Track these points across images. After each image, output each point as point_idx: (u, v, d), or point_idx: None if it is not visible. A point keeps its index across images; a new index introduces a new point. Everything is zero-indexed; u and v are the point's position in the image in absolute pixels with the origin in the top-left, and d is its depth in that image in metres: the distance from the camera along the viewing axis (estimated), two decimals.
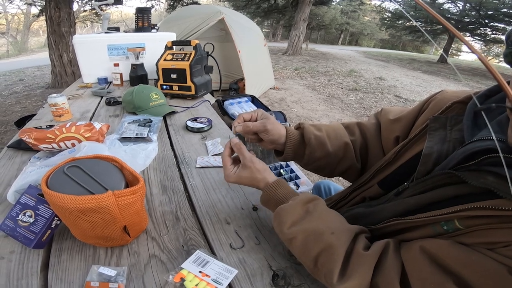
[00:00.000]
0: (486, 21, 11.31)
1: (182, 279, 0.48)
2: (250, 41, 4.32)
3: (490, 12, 10.75)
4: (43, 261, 0.52)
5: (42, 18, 5.26)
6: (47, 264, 0.51)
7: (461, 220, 0.38)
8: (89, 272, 0.49)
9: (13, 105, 4.06)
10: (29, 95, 4.55)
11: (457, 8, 12.70)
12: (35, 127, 0.90)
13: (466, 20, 11.98)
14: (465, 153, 0.39)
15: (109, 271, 0.49)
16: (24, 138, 0.80)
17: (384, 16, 16.92)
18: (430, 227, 0.41)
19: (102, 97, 1.53)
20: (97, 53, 1.81)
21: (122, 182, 0.51)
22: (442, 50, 12.82)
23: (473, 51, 0.26)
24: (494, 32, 12.17)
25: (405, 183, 0.48)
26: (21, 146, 0.90)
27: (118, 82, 1.77)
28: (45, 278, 0.49)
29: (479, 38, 13.53)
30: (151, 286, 0.48)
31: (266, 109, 1.84)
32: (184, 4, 7.46)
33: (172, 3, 7.64)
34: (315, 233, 0.47)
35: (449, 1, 12.71)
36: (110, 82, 1.85)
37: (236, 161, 0.60)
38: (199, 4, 7.19)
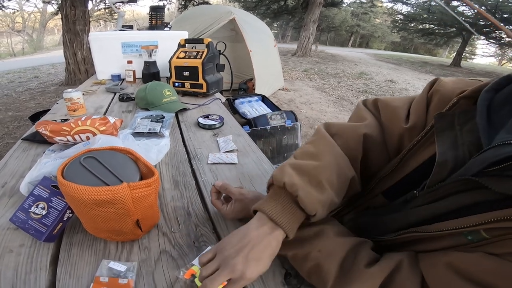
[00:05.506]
0: (502, 24, 11.04)
1: (193, 276, 0.47)
2: (261, 41, 4.32)
3: (506, 15, 10.51)
4: (53, 255, 0.51)
5: (58, 17, 5.39)
6: (56, 259, 0.50)
7: (488, 230, 0.34)
8: (99, 266, 0.48)
9: (28, 101, 4.16)
10: (44, 92, 4.65)
11: (472, 11, 12.43)
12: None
13: (481, 23, 11.73)
14: (486, 162, 0.35)
15: (119, 266, 0.48)
16: (40, 130, 0.81)
17: (396, 18, 16.72)
18: (450, 237, 0.38)
19: (115, 93, 1.55)
20: (112, 50, 1.84)
21: (137, 175, 0.51)
22: (456, 53, 12.53)
23: None
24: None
25: (415, 191, 0.44)
26: (35, 139, 0.92)
27: (131, 79, 1.79)
28: (53, 273, 0.48)
29: (494, 42, 13.23)
30: (161, 282, 0.47)
31: (276, 108, 1.83)
32: (195, 4, 7.53)
33: (183, 3, 7.72)
34: (301, 251, 0.46)
35: (464, 4, 12.44)
36: (123, 79, 1.88)
37: (228, 199, 0.61)
38: (210, 4, 7.25)
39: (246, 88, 4.05)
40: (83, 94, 1.31)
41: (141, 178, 0.53)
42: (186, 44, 1.61)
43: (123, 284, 0.45)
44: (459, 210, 0.37)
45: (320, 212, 0.45)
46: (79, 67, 4.77)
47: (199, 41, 1.55)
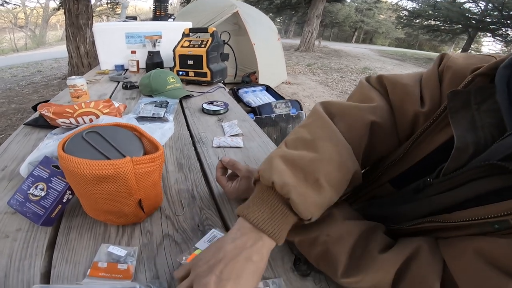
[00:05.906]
0: (508, 21, 10.87)
1: None
2: (264, 35, 4.28)
3: None
4: (50, 240, 0.48)
5: (60, 12, 5.37)
6: (53, 244, 0.48)
7: None
8: (98, 251, 0.45)
9: (31, 94, 4.16)
10: (47, 85, 4.66)
11: (479, 8, 12.24)
12: None
13: (487, 20, 11.56)
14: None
15: (119, 251, 0.45)
16: (42, 112, 0.79)
17: (401, 14, 16.52)
18: (474, 226, 0.34)
19: (118, 82, 1.54)
20: (116, 40, 1.83)
21: (141, 151, 0.49)
22: (461, 50, 12.39)
23: None
24: None
25: (428, 179, 0.39)
26: (38, 124, 0.90)
27: (135, 69, 1.78)
28: (49, 259, 0.45)
29: (500, 39, 13.04)
30: (163, 267, 0.44)
31: (280, 97, 1.80)
32: None
33: None
34: (309, 237, 0.42)
35: (470, 1, 12.27)
36: (127, 69, 1.86)
37: (233, 177, 0.58)
38: None
39: (249, 81, 4.04)
40: (87, 83, 1.30)
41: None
42: (190, 34, 1.59)
43: (123, 269, 0.42)
44: (478, 198, 0.34)
45: (317, 215, 0.39)
46: (82, 61, 4.75)
47: (204, 30, 1.53)
